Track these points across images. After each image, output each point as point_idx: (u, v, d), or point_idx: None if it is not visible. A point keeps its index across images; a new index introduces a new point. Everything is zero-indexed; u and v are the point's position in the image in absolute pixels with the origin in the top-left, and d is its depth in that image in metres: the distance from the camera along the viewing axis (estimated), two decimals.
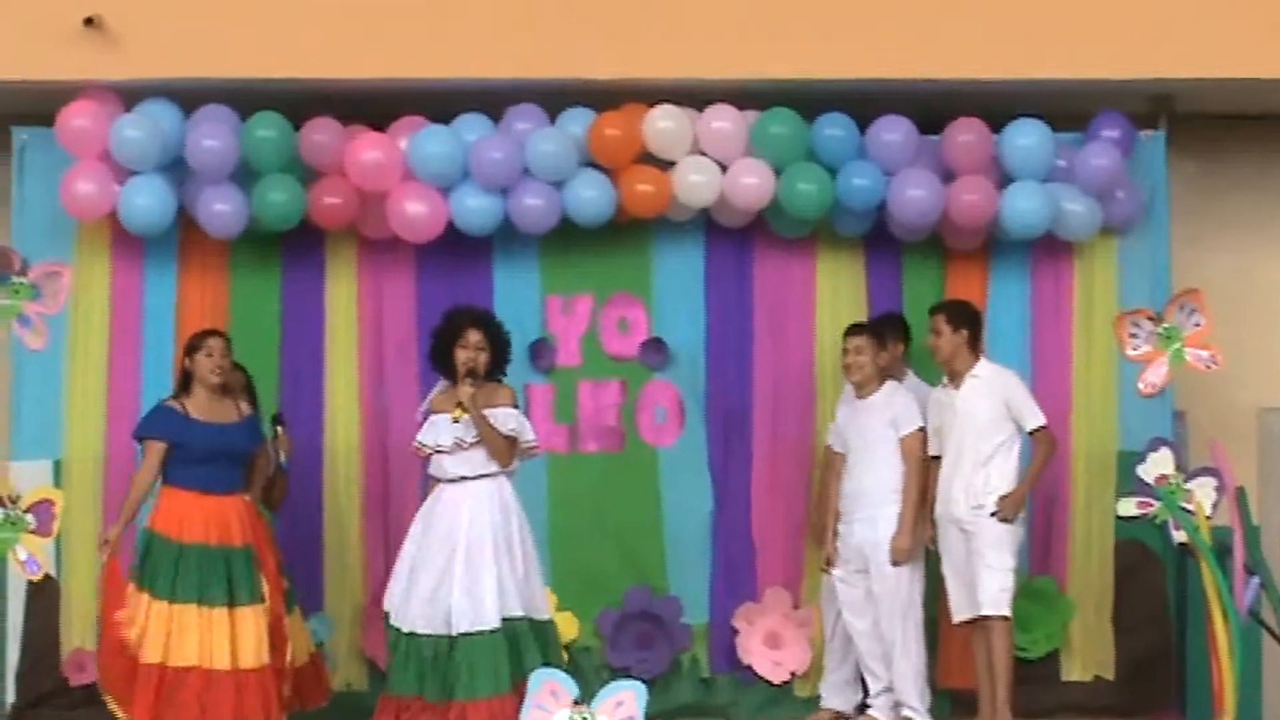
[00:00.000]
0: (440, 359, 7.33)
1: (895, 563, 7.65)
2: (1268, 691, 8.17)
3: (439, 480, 7.33)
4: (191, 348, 7.41)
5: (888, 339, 7.92)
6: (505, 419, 7.24)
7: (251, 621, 7.21)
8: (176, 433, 7.27)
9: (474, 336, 7.26)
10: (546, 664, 6.98)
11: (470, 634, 7.08)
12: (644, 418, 8.41)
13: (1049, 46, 8.04)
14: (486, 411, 7.21)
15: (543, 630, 7.26)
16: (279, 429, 7.81)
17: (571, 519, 8.19)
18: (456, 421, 7.19)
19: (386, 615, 7.31)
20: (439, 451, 7.28)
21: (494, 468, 7.25)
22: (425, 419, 7.39)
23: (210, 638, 7.16)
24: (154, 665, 7.08)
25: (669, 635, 8.27)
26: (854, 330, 7.93)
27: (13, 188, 8.33)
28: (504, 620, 7.09)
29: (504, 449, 7.24)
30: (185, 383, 7.39)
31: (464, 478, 7.23)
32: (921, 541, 7.71)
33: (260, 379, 8.03)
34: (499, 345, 7.35)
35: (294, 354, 8.40)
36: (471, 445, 7.22)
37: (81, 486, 8.17)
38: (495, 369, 7.34)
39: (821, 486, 8.17)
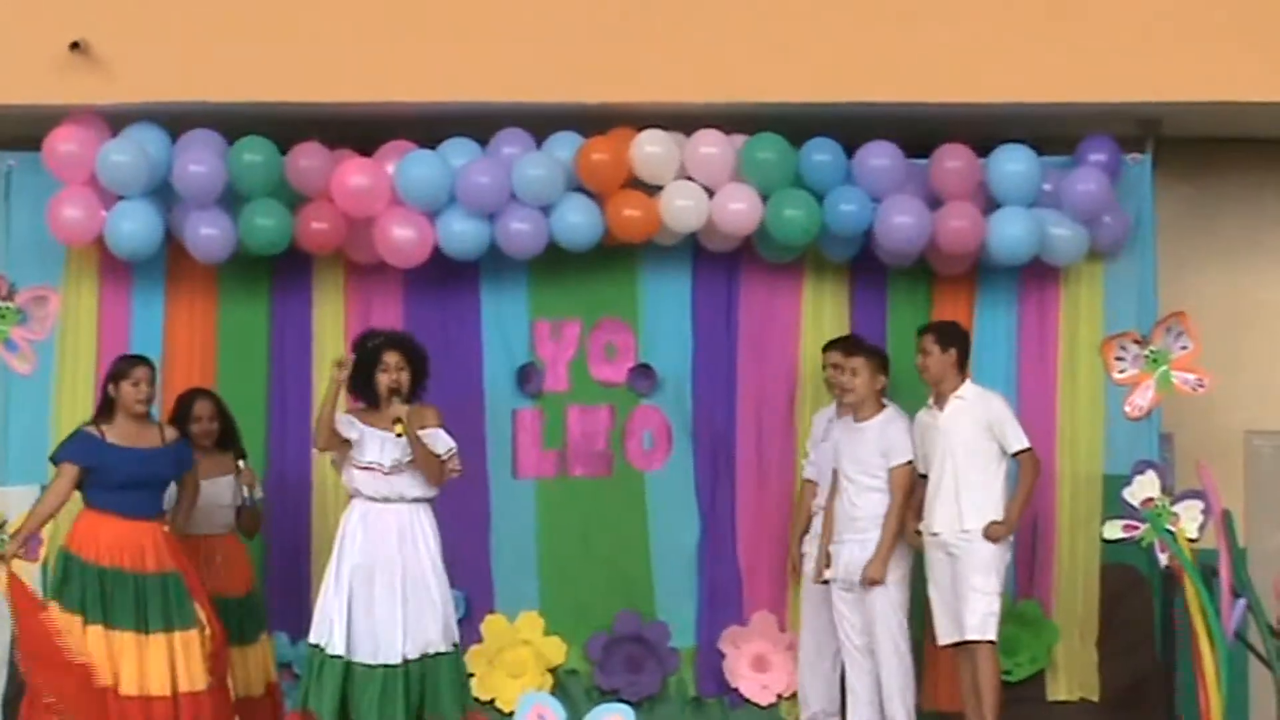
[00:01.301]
0: (361, 384, 7.37)
1: (867, 585, 7.67)
2: (1255, 714, 8.28)
3: (364, 497, 7.30)
4: (118, 374, 7.40)
5: (886, 365, 7.92)
6: (438, 439, 7.29)
7: (164, 648, 7.17)
8: (92, 457, 7.27)
9: (392, 358, 7.31)
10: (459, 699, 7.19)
11: (434, 655, 7.14)
12: (632, 443, 8.41)
13: (1036, 71, 8.03)
14: (421, 433, 7.25)
15: (453, 660, 7.34)
16: (240, 464, 7.75)
17: (560, 543, 8.21)
18: (400, 436, 7.20)
19: (317, 645, 7.22)
20: (371, 468, 7.28)
21: (429, 491, 7.30)
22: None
23: (117, 662, 7.12)
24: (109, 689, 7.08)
25: (658, 658, 8.28)
26: (852, 350, 7.92)
27: None
28: (453, 646, 7.24)
29: (438, 470, 7.29)
30: (108, 408, 7.37)
31: (404, 499, 7.26)
32: (902, 564, 7.73)
33: (248, 404, 8.09)
34: (417, 364, 7.38)
35: (282, 379, 8.39)
36: (408, 465, 7.27)
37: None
38: (415, 388, 7.38)
39: (799, 519, 8.20)
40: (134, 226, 7.94)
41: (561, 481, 8.28)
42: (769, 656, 8.29)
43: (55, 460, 7.38)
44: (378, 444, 7.27)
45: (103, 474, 7.24)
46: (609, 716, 6.67)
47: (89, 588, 7.15)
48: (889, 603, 7.69)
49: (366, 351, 7.37)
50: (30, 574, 7.88)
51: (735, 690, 8.29)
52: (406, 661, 7.13)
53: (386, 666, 7.12)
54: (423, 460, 7.24)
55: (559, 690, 7.96)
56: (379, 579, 7.18)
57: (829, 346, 8.11)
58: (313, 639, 7.24)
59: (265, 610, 7.76)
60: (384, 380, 7.29)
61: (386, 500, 7.27)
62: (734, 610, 8.34)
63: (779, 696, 8.27)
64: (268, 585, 7.92)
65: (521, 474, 8.31)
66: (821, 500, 8.02)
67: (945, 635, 7.65)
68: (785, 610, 8.34)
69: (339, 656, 7.13)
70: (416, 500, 7.30)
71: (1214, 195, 9.02)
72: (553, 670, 8.12)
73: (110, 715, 7.07)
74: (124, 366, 7.41)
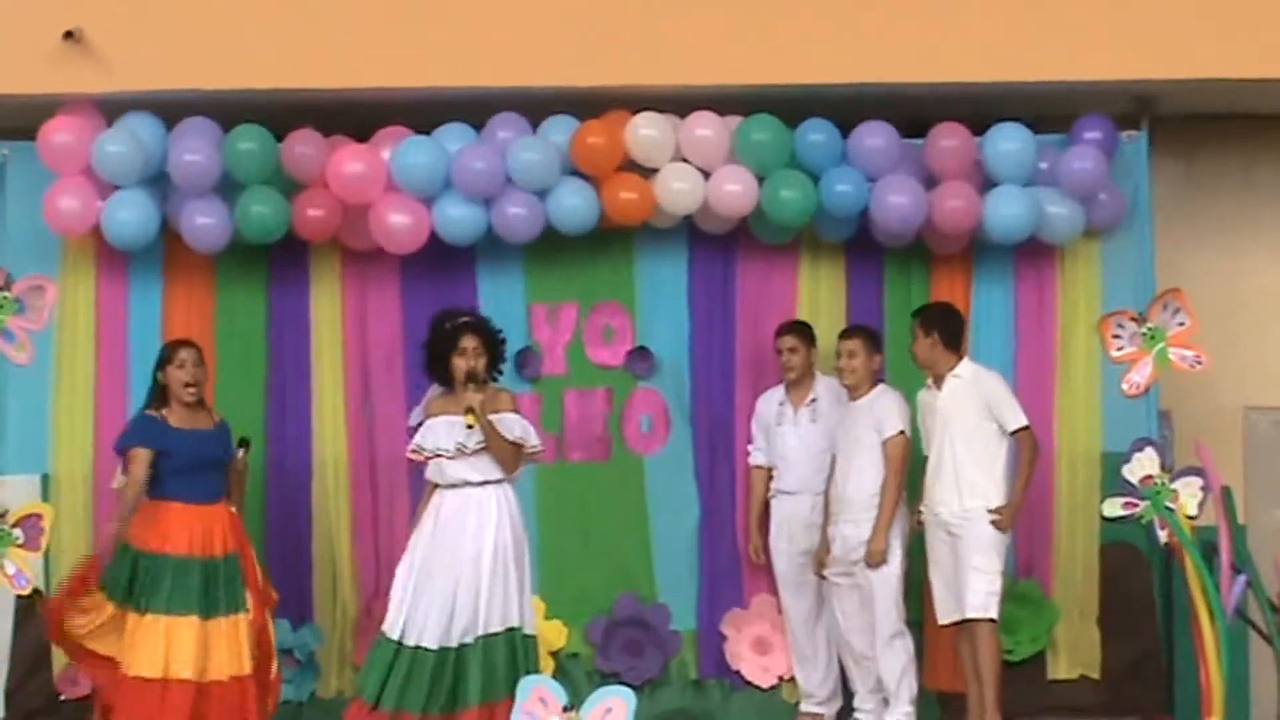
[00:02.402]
0: (436, 366, 7.27)
1: (869, 565, 7.70)
2: (1255, 690, 8.42)
3: (439, 486, 7.24)
4: (164, 359, 7.42)
5: (880, 344, 8.00)
6: (511, 425, 7.20)
7: (225, 633, 7.20)
8: (160, 440, 7.27)
9: (470, 342, 7.21)
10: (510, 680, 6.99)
11: (486, 636, 7.06)
12: (630, 426, 8.42)
13: (1030, 49, 8.04)
14: (492, 418, 7.15)
15: (533, 643, 7.28)
16: (241, 452, 7.69)
17: (559, 528, 8.21)
18: (471, 427, 7.10)
19: (382, 630, 7.17)
20: (438, 456, 7.20)
21: (499, 474, 7.20)
22: (419, 425, 7.34)
23: (208, 650, 7.15)
24: (142, 678, 7.11)
25: (658, 641, 8.29)
26: (848, 333, 7.98)
27: None
28: (508, 629, 7.11)
29: (511, 456, 7.20)
30: (161, 394, 7.38)
31: (468, 483, 7.16)
32: (902, 541, 7.76)
33: (246, 392, 8.15)
34: (494, 348, 7.29)
35: (280, 367, 8.40)
36: (475, 450, 7.16)
37: (70, 501, 8.17)
38: (491, 371, 7.30)
39: (754, 507, 8.26)
40: (130, 216, 7.94)
41: (559, 466, 8.27)
42: (770, 639, 8.31)
43: (122, 448, 7.35)
44: (445, 430, 7.19)
45: (172, 458, 7.25)
46: (610, 700, 6.47)
47: (157, 577, 7.15)
48: (887, 584, 7.72)
49: (443, 333, 7.27)
50: (33, 564, 7.99)
51: (736, 673, 8.32)
52: (447, 647, 7.06)
53: (442, 649, 7.06)
54: (496, 447, 7.16)
55: (560, 674, 7.94)
56: (446, 565, 7.10)
57: (784, 330, 8.14)
58: (393, 635, 7.14)
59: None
60: (460, 365, 7.19)
61: (454, 486, 7.19)
62: (734, 593, 8.36)
63: (780, 679, 8.28)
64: (269, 573, 7.80)
65: None
66: (781, 485, 8.09)
67: (945, 614, 7.68)
68: None
69: (421, 647, 7.06)
70: (487, 484, 7.19)
71: (1210, 172, 9.04)
72: (553, 654, 8.11)
73: (158, 703, 7.07)
74: (170, 351, 7.43)
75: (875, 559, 7.68)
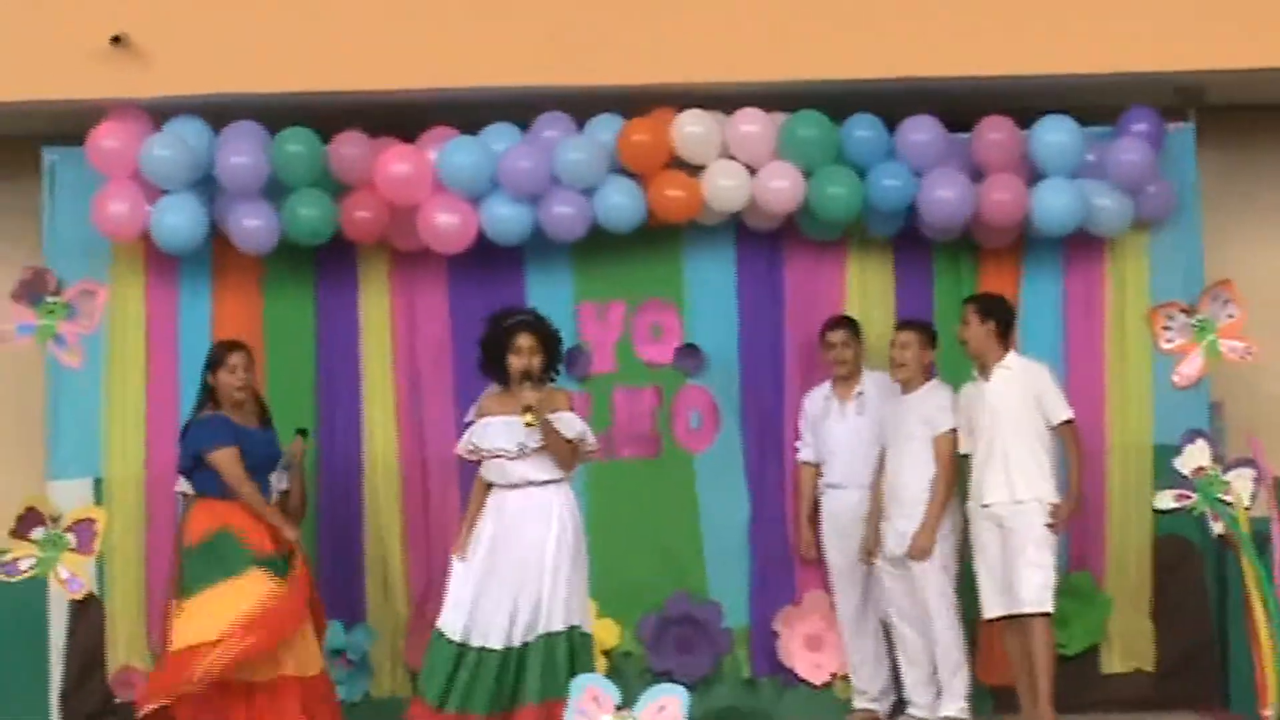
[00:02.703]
0: (492, 365, 7.29)
1: (912, 558, 7.75)
2: None
3: (497, 485, 7.25)
4: (213, 361, 7.47)
5: (935, 339, 8.02)
6: (570, 423, 7.22)
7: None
8: (237, 438, 7.33)
9: (526, 341, 7.21)
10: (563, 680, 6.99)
11: (548, 635, 7.07)
12: (679, 423, 8.47)
13: (1076, 41, 8.08)
14: (551, 416, 7.17)
15: (590, 641, 7.30)
16: (299, 441, 7.82)
17: (609, 526, 8.18)
18: (530, 425, 7.10)
19: (440, 631, 7.16)
20: (498, 456, 7.22)
21: (559, 473, 7.23)
22: (471, 423, 7.34)
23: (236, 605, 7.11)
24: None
25: (710, 639, 8.32)
26: (903, 326, 8.03)
27: (43, 208, 8.41)
28: (569, 627, 7.12)
29: (569, 454, 7.21)
30: (211, 397, 7.44)
31: (531, 482, 7.18)
32: (950, 538, 7.79)
33: (296, 393, 8.22)
34: (551, 346, 7.30)
35: (329, 368, 8.47)
36: (535, 450, 7.17)
37: (123, 504, 8.23)
38: (548, 371, 7.30)
39: (804, 503, 8.28)
40: (178, 220, 8.02)
41: (610, 463, 8.28)
42: (823, 636, 8.33)
43: (206, 451, 7.33)
44: (504, 430, 7.20)
45: (246, 457, 7.30)
46: (664, 698, 6.52)
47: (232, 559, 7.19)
48: (939, 577, 7.75)
49: (499, 332, 7.28)
50: (87, 568, 8.03)
51: (789, 670, 8.35)
52: (511, 647, 7.08)
53: (506, 649, 7.07)
54: (554, 446, 7.17)
55: (613, 672, 7.93)
56: (510, 565, 7.11)
57: (834, 325, 8.19)
58: (453, 636, 7.16)
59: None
60: (516, 364, 7.19)
61: (514, 486, 7.20)
62: (786, 590, 8.40)
63: (833, 675, 8.31)
64: (319, 572, 7.92)
65: None
66: (831, 478, 8.14)
67: (993, 608, 7.71)
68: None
69: (486, 648, 7.08)
70: (546, 483, 7.21)
71: (1258, 162, 9.01)
72: (606, 653, 8.14)
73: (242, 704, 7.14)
74: (219, 353, 7.51)
75: (920, 554, 7.72)
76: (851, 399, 8.12)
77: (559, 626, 7.08)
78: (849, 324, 8.18)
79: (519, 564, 7.10)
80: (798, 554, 8.34)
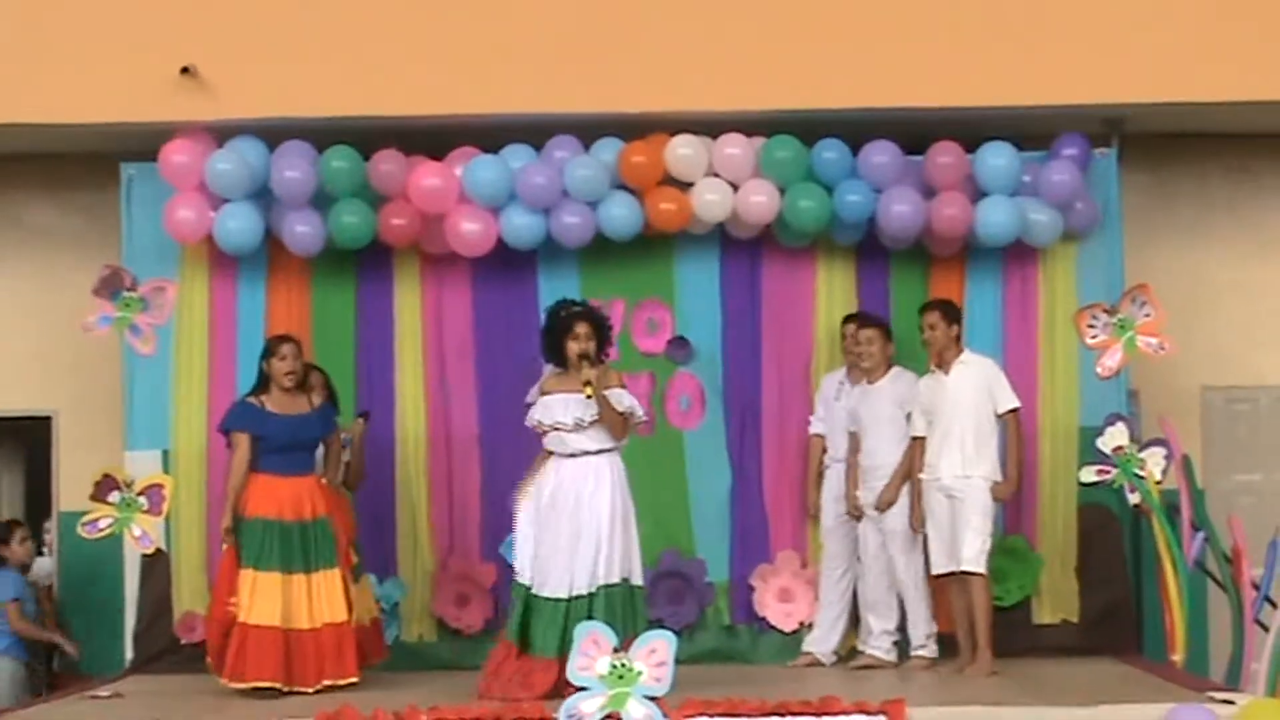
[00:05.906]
0: (553, 350, 7.50)
1: (880, 510, 8.04)
2: (1213, 631, 8.74)
3: (557, 454, 7.44)
4: (268, 352, 7.77)
5: (891, 333, 8.23)
6: (621, 397, 7.44)
7: (316, 585, 7.62)
8: (257, 424, 7.69)
9: (582, 328, 7.43)
10: (645, 625, 7.19)
11: (607, 586, 7.29)
12: (671, 406, 8.75)
13: (1015, 77, 8.30)
14: (605, 392, 7.38)
15: (643, 593, 7.54)
16: (360, 421, 8.13)
17: None
18: (590, 399, 7.31)
19: (515, 580, 7.44)
20: (557, 429, 7.42)
21: (611, 443, 7.48)
22: (533, 401, 7.56)
23: (291, 601, 7.57)
24: (242, 624, 7.55)
25: (696, 591, 8.65)
26: (866, 323, 8.22)
27: (122, 215, 8.75)
28: (624, 580, 7.37)
29: (621, 425, 7.42)
30: (264, 382, 7.79)
31: (587, 452, 7.41)
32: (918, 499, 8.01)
33: (339, 377, 8.41)
34: (603, 332, 7.52)
35: (368, 356, 8.75)
36: (591, 423, 7.42)
37: (187, 474, 8.60)
38: (600, 353, 7.50)
39: (813, 470, 8.53)
40: (238, 225, 8.33)
41: None
42: (792, 589, 8.65)
43: (226, 430, 7.75)
44: (562, 406, 7.40)
45: (267, 439, 7.65)
46: (654, 642, 6.63)
47: (266, 541, 7.59)
48: (907, 533, 8.07)
49: (559, 320, 7.47)
50: (156, 527, 8.39)
51: (763, 619, 8.66)
52: (577, 596, 7.29)
53: (570, 598, 7.32)
54: (609, 417, 7.36)
55: None
56: (565, 523, 7.34)
57: (849, 319, 8.37)
58: (522, 579, 7.44)
59: (361, 551, 8.05)
60: (574, 347, 7.38)
61: (573, 455, 7.41)
62: (761, 549, 8.66)
63: (801, 624, 8.59)
64: (359, 534, 8.14)
65: None
66: (834, 453, 8.38)
67: (939, 566, 7.98)
68: (806, 549, 8.69)
69: (550, 597, 7.30)
70: (600, 452, 7.43)
71: (1171, 183, 9.31)
72: None
73: (276, 650, 7.51)
74: (273, 344, 7.79)
75: (883, 506, 8.03)
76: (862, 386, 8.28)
77: (615, 579, 7.32)
78: (882, 323, 8.27)
79: (573, 523, 7.33)
80: (771, 518, 8.61)
